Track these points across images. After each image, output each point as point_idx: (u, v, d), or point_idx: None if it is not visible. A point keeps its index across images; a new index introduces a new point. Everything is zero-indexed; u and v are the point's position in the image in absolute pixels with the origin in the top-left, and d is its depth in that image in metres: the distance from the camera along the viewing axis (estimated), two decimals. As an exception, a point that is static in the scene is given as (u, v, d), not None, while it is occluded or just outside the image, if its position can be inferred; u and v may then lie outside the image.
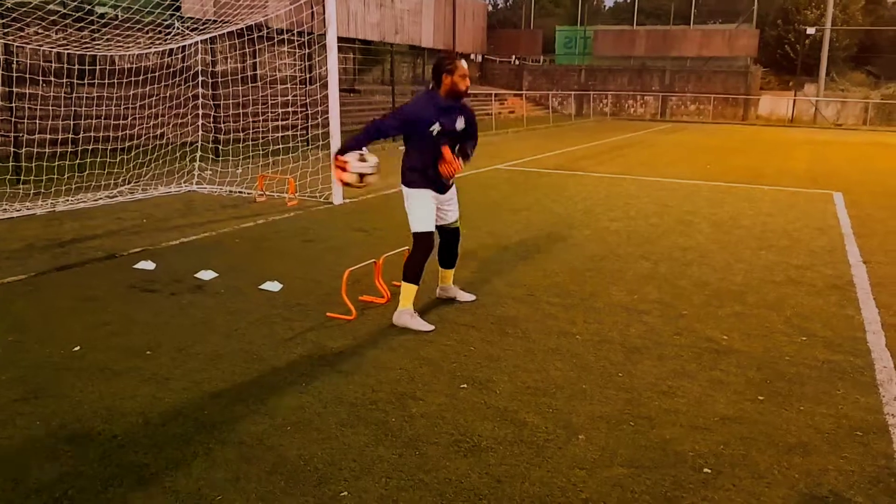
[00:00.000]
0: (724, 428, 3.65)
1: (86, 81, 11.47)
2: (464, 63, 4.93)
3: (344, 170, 4.95)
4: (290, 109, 15.79)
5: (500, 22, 51.18)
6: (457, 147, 5.11)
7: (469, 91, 5.02)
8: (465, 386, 4.08)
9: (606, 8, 61.35)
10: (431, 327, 5.02)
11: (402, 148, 5.26)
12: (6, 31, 9.47)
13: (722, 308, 5.65)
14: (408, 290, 5.10)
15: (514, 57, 46.20)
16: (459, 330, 5.02)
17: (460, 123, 5.07)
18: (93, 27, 10.39)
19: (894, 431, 3.65)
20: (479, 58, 43.98)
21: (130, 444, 3.36)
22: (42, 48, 10.11)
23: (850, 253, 7.66)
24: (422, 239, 5.08)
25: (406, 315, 5.06)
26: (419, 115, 4.93)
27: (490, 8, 49.93)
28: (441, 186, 5.13)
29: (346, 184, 5.08)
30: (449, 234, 5.45)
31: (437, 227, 5.27)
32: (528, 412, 3.77)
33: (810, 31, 38.97)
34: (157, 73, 11.94)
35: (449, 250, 5.51)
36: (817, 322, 5.35)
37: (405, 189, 5.13)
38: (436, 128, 4.90)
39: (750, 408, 3.89)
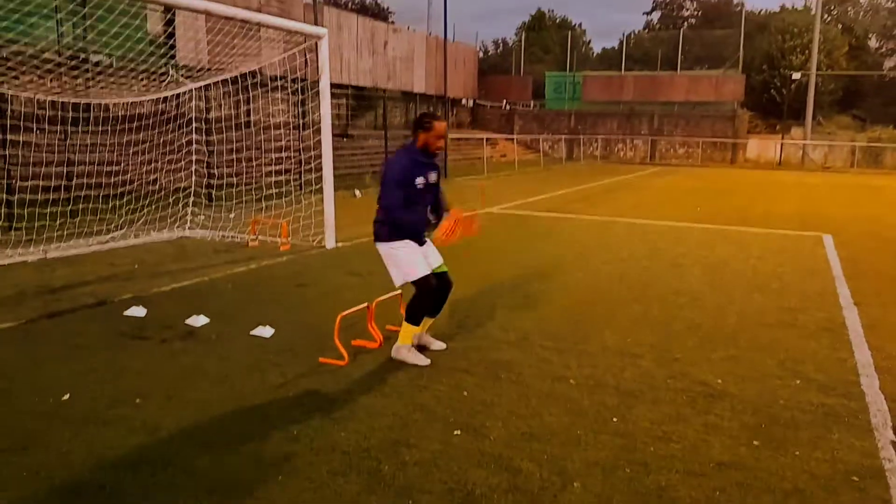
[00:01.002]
0: (720, 474, 3.62)
1: (80, 128, 11.54)
2: (444, 126, 5.10)
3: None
4: (283, 154, 15.92)
5: (490, 68, 51.92)
6: (431, 206, 5.30)
7: (442, 150, 5.21)
8: (458, 432, 4.05)
9: (595, 54, 62.37)
10: (428, 361, 5.14)
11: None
12: (1, 79, 9.55)
13: (715, 351, 5.64)
14: (408, 330, 5.24)
15: (504, 102, 46.78)
16: (453, 375, 4.99)
17: (433, 177, 5.22)
18: (87, 75, 10.49)
19: (890, 476, 3.63)
20: (471, 103, 44.53)
21: (119, 494, 3.31)
22: (37, 96, 10.18)
23: (842, 295, 7.69)
24: (423, 283, 5.13)
25: (404, 350, 5.22)
26: (407, 172, 5.03)
27: (481, 54, 50.70)
28: (419, 240, 5.24)
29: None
30: (440, 282, 5.35)
31: None
32: (522, 459, 3.73)
33: (796, 76, 39.68)
34: (151, 120, 12.03)
35: (439, 299, 5.42)
36: (810, 365, 5.35)
37: (384, 246, 5.19)
38: (420, 182, 5.06)
39: (745, 453, 3.86)
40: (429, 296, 5.17)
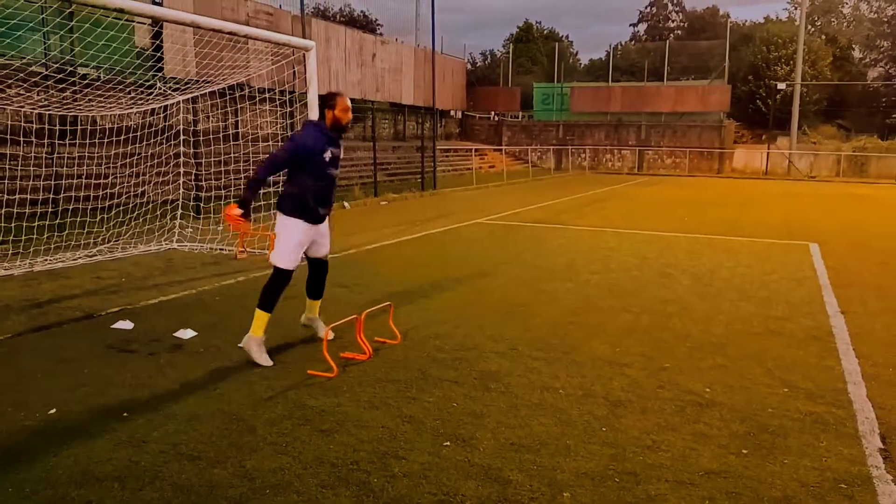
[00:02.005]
0: (710, 483, 3.63)
1: (67, 141, 11.48)
2: (346, 99, 5.46)
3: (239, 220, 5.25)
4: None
5: (479, 79, 52.13)
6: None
7: (350, 122, 5.54)
8: (448, 443, 4.04)
9: (582, 65, 62.78)
10: (270, 363, 5.33)
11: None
12: (-12, 92, 9.52)
13: (704, 360, 5.66)
14: (260, 318, 5.42)
15: (493, 113, 46.98)
16: (442, 386, 4.99)
17: (339, 153, 5.60)
18: (75, 88, 10.46)
19: (878, 483, 3.65)
20: (460, 114, 44.69)
21: (105, 510, 3.28)
22: (24, 109, 10.14)
23: (828, 303, 7.74)
24: (281, 273, 5.46)
25: (254, 343, 5.39)
26: (313, 143, 5.34)
27: (469, 66, 50.89)
28: (317, 217, 5.49)
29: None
30: (318, 266, 5.82)
31: (308, 258, 5.68)
32: (512, 469, 3.73)
33: (781, 86, 40.07)
34: (138, 133, 11.98)
35: (317, 282, 5.90)
36: (798, 373, 5.37)
37: (280, 215, 5.45)
38: (328, 154, 5.39)
39: (734, 461, 3.87)
40: (281, 286, 5.44)
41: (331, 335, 5.63)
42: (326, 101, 5.46)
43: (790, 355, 5.84)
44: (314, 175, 5.38)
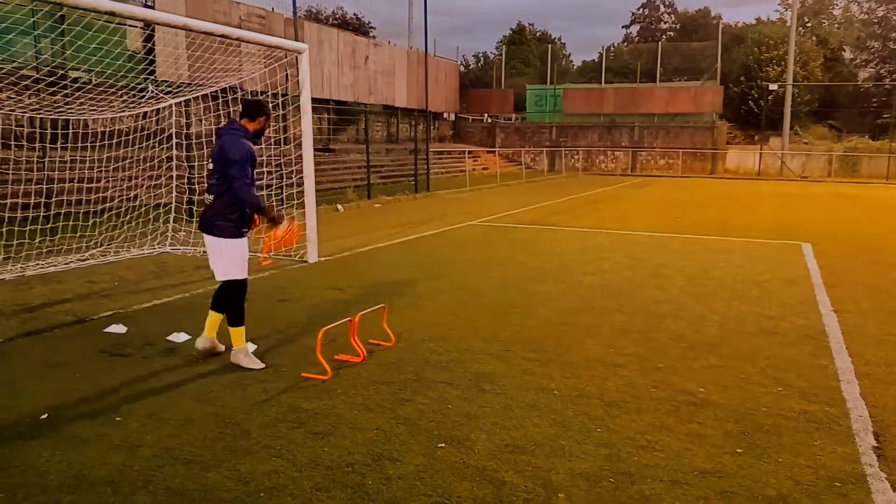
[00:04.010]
0: (704, 482, 3.63)
1: (59, 145, 11.43)
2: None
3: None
4: (264, 169, 15.84)
5: (472, 82, 52.22)
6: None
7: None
8: (442, 445, 4.03)
9: (575, 67, 62.92)
10: (263, 365, 5.38)
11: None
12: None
13: (697, 360, 5.67)
14: (237, 332, 5.45)
15: (486, 115, 47.02)
16: (436, 387, 4.98)
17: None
18: (66, 91, 10.42)
19: (872, 481, 3.66)
20: (453, 116, 44.71)
21: (98, 515, 3.26)
22: (14, 113, 10.09)
23: (821, 303, 7.76)
24: (237, 285, 5.46)
25: (240, 354, 5.45)
26: (251, 151, 5.36)
27: (462, 68, 50.99)
28: (251, 223, 5.52)
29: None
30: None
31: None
32: (506, 471, 3.72)
33: (773, 87, 40.23)
34: (130, 136, 11.94)
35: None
36: (792, 372, 5.39)
37: (230, 242, 5.36)
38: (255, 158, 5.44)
39: (729, 461, 3.88)
40: (241, 296, 5.49)
41: (222, 347, 5.67)
42: (263, 109, 5.49)
43: (784, 354, 5.85)
44: (253, 180, 5.40)
